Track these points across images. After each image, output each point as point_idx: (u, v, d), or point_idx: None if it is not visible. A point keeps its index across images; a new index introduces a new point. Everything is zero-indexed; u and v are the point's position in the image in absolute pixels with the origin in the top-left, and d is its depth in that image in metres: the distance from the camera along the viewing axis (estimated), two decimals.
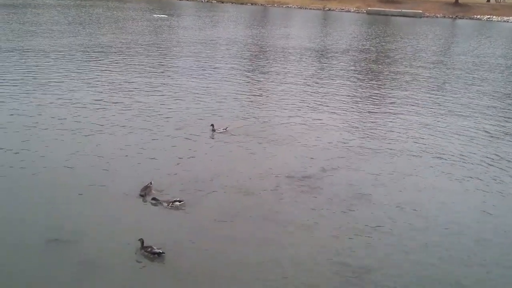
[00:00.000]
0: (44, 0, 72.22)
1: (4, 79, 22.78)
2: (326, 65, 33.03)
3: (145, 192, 12.01)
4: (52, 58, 28.57)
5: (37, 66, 26.08)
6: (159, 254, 9.62)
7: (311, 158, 15.39)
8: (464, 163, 15.74)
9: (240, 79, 26.68)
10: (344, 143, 17.04)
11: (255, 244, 10.43)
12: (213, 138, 16.47)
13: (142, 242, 9.80)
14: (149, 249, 9.68)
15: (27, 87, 21.65)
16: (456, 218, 12.11)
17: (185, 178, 13.37)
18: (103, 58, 29.72)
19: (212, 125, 16.88)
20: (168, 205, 11.54)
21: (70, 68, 26.13)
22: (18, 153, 14.38)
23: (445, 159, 15.98)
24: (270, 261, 9.86)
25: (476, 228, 11.73)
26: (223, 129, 16.79)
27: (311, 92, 24.39)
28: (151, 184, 12.27)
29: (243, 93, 23.39)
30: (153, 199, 11.76)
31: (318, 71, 30.56)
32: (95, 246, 10.01)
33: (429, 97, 24.74)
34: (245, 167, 14.39)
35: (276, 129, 18.02)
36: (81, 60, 28.71)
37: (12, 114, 17.74)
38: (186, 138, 16.47)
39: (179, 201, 11.66)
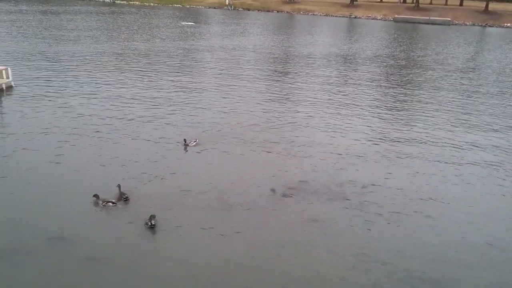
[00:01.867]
0: (77, 8, 74.27)
1: (39, 81, 23.56)
2: (351, 72, 32.88)
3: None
4: (80, 63, 29.36)
5: (69, 69, 26.85)
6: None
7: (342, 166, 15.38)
8: (504, 171, 15.49)
9: (263, 87, 26.82)
10: (366, 151, 16.95)
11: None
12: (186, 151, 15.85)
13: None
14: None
15: (54, 89, 22.37)
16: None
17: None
18: (123, 64, 30.38)
19: (184, 139, 16.06)
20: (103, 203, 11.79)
21: (88, 72, 26.82)
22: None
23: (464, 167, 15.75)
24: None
25: None
26: (194, 142, 16.07)
27: (335, 98, 24.35)
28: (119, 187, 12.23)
29: (268, 101, 23.53)
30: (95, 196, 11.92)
31: (343, 78, 30.45)
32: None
33: (456, 105, 24.39)
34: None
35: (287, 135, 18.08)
36: (103, 66, 29.39)
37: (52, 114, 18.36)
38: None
39: (113, 203, 11.82)
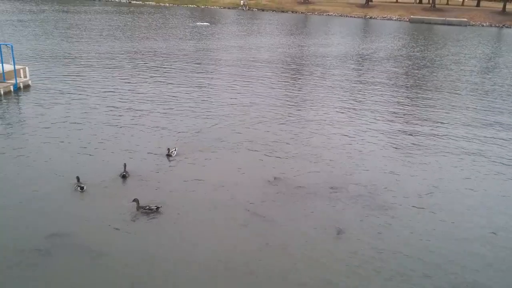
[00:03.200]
0: (94, 8, 75.16)
1: (56, 80, 23.95)
2: (366, 73, 32.73)
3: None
4: (96, 62, 29.75)
5: (85, 68, 27.23)
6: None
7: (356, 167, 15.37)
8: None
9: (278, 87, 26.87)
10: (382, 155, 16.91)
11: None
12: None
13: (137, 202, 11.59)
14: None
15: (66, 88, 22.73)
16: None
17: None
18: (138, 63, 30.70)
19: (168, 149, 15.24)
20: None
21: (105, 71, 27.14)
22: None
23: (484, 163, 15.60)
24: None
25: None
26: (173, 150, 15.13)
27: (350, 99, 24.31)
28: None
29: (283, 100, 23.58)
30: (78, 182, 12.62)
31: (358, 78, 30.33)
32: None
33: (471, 106, 24.16)
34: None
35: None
36: (118, 65, 29.72)
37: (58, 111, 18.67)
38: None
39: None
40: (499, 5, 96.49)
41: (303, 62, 35.90)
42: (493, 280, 9.78)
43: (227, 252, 10.20)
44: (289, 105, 22.38)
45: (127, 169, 13.47)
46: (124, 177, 13.29)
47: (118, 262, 9.68)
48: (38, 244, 10.06)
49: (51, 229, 10.65)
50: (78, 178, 12.69)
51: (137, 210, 11.50)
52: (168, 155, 15.01)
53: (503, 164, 16.16)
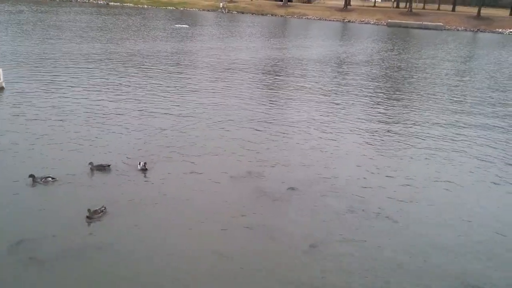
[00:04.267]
0: (70, 9, 73.97)
1: (30, 82, 23.42)
2: (344, 75, 32.99)
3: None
4: (72, 64, 29.24)
5: (60, 70, 26.71)
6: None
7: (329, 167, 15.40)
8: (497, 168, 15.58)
9: (256, 89, 26.85)
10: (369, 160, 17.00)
11: None
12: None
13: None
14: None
15: (44, 88, 22.26)
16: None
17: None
18: (114, 65, 30.31)
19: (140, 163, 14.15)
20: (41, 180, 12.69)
21: (82, 73, 26.71)
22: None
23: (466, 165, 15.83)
24: None
25: None
26: (142, 165, 14.00)
27: (327, 101, 24.43)
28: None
29: (259, 102, 23.55)
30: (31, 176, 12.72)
31: (336, 80, 30.54)
32: None
33: (449, 109, 24.56)
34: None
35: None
36: (94, 67, 29.29)
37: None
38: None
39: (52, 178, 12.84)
40: (474, 10, 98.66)
41: (282, 64, 35.96)
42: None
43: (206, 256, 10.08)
44: (267, 107, 22.35)
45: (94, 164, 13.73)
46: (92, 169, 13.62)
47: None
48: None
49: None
50: (33, 176, 12.73)
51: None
52: (143, 169, 13.85)
53: (481, 163, 16.43)
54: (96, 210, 11.21)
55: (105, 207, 11.42)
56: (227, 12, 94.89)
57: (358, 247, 10.76)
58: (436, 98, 27.02)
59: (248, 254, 10.25)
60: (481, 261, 10.59)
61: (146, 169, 13.92)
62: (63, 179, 13.02)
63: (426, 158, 16.77)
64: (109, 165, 13.84)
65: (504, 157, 17.43)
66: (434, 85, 31.10)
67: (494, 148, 18.42)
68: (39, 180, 12.66)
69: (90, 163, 13.61)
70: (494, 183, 14.99)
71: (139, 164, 14.01)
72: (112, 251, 10.04)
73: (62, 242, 10.18)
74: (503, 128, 21.46)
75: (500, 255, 10.91)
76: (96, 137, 16.57)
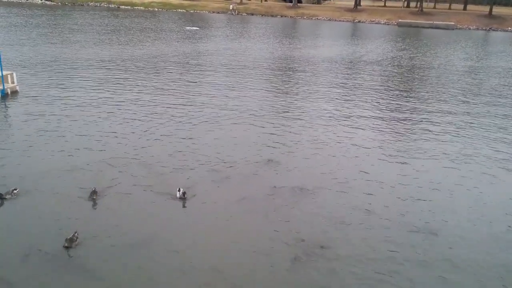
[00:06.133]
0: (83, 13, 74.71)
1: (44, 86, 23.72)
2: (355, 75, 32.90)
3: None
4: (85, 67, 29.56)
5: (74, 73, 27.03)
6: None
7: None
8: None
9: (267, 89, 26.90)
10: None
11: None
12: None
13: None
14: None
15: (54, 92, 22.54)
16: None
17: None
18: (126, 69, 30.56)
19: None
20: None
21: (96, 75, 26.99)
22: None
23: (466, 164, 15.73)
24: None
25: None
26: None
27: (340, 101, 24.40)
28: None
29: (271, 103, 23.61)
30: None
31: (347, 81, 30.46)
32: None
33: (460, 109, 24.38)
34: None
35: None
36: (107, 70, 29.57)
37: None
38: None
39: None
40: (486, 9, 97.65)
41: (293, 65, 35.98)
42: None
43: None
44: (278, 108, 22.41)
45: (97, 189, 12.49)
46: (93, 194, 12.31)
47: None
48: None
49: None
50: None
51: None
52: (182, 198, 12.48)
53: (494, 165, 16.31)
54: (71, 238, 10.23)
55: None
56: (237, 14, 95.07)
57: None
58: (450, 97, 26.84)
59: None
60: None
61: (185, 196, 12.51)
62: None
63: (440, 157, 16.70)
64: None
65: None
66: (447, 84, 30.87)
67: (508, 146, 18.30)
68: None
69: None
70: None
71: (179, 191, 12.59)
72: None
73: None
74: None
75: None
76: (108, 142, 16.75)
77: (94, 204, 12.11)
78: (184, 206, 12.22)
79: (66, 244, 10.10)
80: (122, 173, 14.00)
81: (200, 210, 12.13)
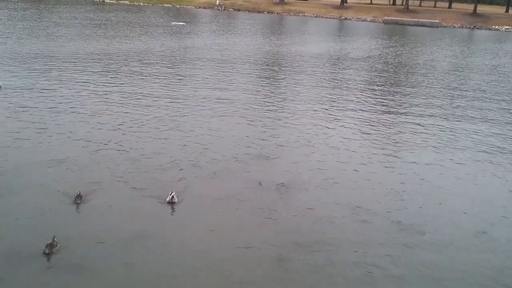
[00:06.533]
0: (66, 7, 73.67)
1: (26, 82, 23.33)
2: (340, 72, 33.00)
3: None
4: (69, 62, 29.15)
5: (57, 69, 26.64)
6: None
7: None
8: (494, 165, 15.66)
9: (253, 86, 26.84)
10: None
11: None
12: None
13: None
14: None
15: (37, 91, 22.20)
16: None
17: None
18: (109, 63, 30.24)
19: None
20: None
21: (79, 71, 26.65)
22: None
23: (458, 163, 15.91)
24: None
25: None
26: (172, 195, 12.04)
27: (325, 97, 24.45)
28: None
29: (257, 100, 23.57)
30: None
31: (332, 78, 30.56)
32: None
33: (444, 105, 24.63)
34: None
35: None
36: (91, 65, 29.22)
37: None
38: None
39: None
40: (470, 7, 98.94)
41: (280, 61, 35.95)
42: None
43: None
44: (264, 103, 22.34)
45: (81, 193, 11.82)
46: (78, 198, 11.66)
47: None
48: None
49: None
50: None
51: None
52: (171, 202, 11.96)
53: (481, 158, 16.51)
54: (51, 243, 9.60)
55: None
56: (224, 9, 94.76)
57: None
58: (435, 94, 27.08)
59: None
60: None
61: (173, 200, 11.95)
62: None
63: (427, 152, 16.84)
64: None
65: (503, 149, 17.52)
66: (432, 81, 31.14)
67: (495, 139, 18.52)
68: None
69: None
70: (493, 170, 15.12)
71: (170, 194, 12.04)
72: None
73: None
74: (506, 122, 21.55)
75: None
76: (93, 137, 16.55)
77: (77, 207, 11.50)
78: (173, 209, 11.90)
79: (46, 251, 9.47)
80: (108, 169, 13.80)
81: (189, 209, 11.91)
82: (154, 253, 9.96)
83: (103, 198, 12.12)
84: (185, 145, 16.19)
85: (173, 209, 11.85)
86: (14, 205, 11.57)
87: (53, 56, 30.73)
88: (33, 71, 26.00)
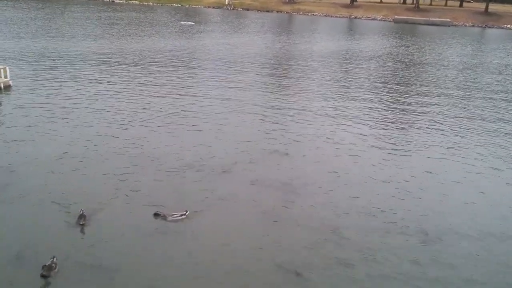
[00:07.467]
0: (76, 7, 74.14)
1: (37, 80, 23.46)
2: (350, 72, 32.80)
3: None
4: (79, 62, 29.29)
5: (67, 68, 26.77)
6: None
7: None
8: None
9: (262, 85, 26.77)
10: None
11: None
12: None
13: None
14: None
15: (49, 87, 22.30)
16: None
17: None
18: (120, 63, 30.32)
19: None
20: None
21: (90, 70, 26.74)
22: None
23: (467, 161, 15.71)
24: None
25: None
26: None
27: (335, 97, 24.29)
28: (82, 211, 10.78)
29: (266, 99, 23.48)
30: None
31: (342, 77, 30.37)
32: None
33: (454, 104, 24.36)
34: None
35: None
36: (101, 64, 29.33)
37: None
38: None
39: None
40: (482, 6, 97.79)
41: (289, 60, 35.85)
42: None
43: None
44: (274, 102, 22.25)
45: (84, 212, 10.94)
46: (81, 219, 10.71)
47: None
48: None
49: None
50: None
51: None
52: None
53: (491, 158, 16.29)
54: (50, 265, 8.76)
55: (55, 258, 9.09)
56: (232, 9, 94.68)
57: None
58: (446, 93, 26.81)
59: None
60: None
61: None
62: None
63: (436, 151, 16.65)
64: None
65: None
66: (443, 80, 30.83)
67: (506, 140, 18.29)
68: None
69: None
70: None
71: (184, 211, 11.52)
72: None
73: None
74: None
75: None
76: (103, 136, 16.58)
77: (82, 229, 10.60)
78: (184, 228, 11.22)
79: (44, 273, 8.44)
80: (115, 175, 13.83)
81: (204, 227, 11.24)
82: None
83: (107, 215, 12.13)
84: (193, 147, 16.17)
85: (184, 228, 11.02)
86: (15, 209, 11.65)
87: (65, 56, 30.90)
88: (45, 71, 26.14)
